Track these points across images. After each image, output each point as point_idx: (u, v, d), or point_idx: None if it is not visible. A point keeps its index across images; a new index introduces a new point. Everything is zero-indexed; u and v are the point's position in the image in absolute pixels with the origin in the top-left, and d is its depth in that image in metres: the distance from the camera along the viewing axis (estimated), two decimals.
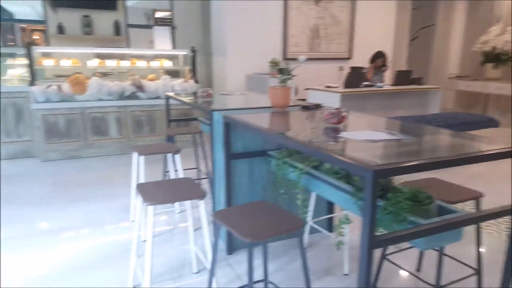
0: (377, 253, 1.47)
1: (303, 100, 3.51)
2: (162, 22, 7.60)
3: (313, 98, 5.09)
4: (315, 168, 2.13)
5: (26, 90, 4.77)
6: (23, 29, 8.13)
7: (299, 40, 6.49)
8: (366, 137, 1.83)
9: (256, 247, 2.57)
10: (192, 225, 2.35)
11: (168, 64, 5.78)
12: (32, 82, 4.76)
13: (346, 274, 2.44)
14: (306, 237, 2.83)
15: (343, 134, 1.95)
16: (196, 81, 5.62)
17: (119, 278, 2.36)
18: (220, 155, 2.62)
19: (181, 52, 5.90)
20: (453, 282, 2.06)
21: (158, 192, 2.00)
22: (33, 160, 4.81)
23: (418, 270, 2.47)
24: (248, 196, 2.67)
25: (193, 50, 5.59)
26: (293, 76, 2.69)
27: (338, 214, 2.94)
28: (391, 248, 2.13)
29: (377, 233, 1.45)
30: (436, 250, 1.99)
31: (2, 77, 5.30)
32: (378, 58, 5.85)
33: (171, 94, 3.70)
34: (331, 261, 2.61)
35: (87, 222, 3.16)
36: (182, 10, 7.54)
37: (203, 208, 2.06)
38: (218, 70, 6.64)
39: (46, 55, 5.39)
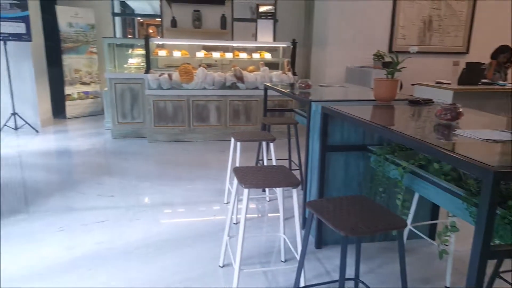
0: (488, 269, 1.29)
1: (410, 95, 3.26)
2: (265, 15, 7.73)
3: (420, 94, 4.70)
4: (421, 167, 1.96)
5: (142, 77, 5.24)
6: (140, 23, 8.97)
7: (408, 32, 6.07)
8: (486, 136, 1.62)
9: (348, 244, 2.47)
10: (283, 213, 2.34)
11: (268, 56, 5.86)
12: (147, 70, 5.20)
13: (447, 287, 2.22)
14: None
15: (458, 132, 1.75)
16: (294, 73, 5.61)
17: (210, 256, 2.46)
18: (315, 146, 2.56)
19: (281, 45, 5.94)
20: None
21: (254, 177, 2.03)
22: (142, 141, 5.27)
23: None
24: (343, 190, 2.58)
25: (294, 43, 5.57)
26: (402, 68, 2.50)
27: (443, 221, 2.68)
28: (507, 265, 1.87)
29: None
30: None
31: (124, 65, 5.91)
32: (502, 53, 5.19)
33: (269, 85, 3.73)
34: (430, 271, 2.40)
35: (185, 200, 3.36)
36: (285, 3, 7.58)
37: (295, 197, 2.03)
38: (317, 62, 6.54)
39: (160, 46, 5.84)
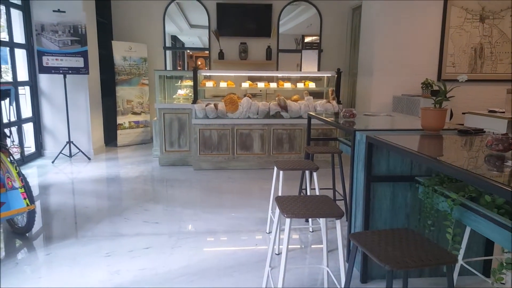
0: None
1: (461, 125, 3.14)
2: (310, 46, 7.86)
3: (472, 123, 4.51)
4: (471, 199, 1.86)
5: (189, 107, 5.45)
6: (190, 56, 9.41)
7: (457, 60, 5.91)
8: None
9: (395, 279, 2.35)
10: (326, 244, 2.29)
11: (312, 85, 5.90)
12: (194, 101, 5.41)
13: None
14: (454, 277, 2.47)
15: (510, 163, 1.66)
16: (339, 102, 5.59)
17: (252, 286, 2.43)
18: (360, 177, 2.51)
19: (326, 74, 5.97)
20: None
21: (296, 206, 2.01)
22: (187, 168, 5.42)
23: None
24: (389, 222, 2.48)
25: (339, 72, 5.59)
26: (450, 97, 2.43)
27: (498, 257, 2.49)
28: None
29: None
30: None
31: (173, 96, 6.19)
32: None
33: (313, 113, 3.74)
34: None
35: (227, 228, 3.37)
36: (330, 33, 7.67)
37: (339, 228, 1.99)
38: (363, 90, 6.49)
39: (207, 77, 6.08)
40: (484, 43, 5.92)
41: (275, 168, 2.98)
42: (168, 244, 3.06)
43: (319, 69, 7.71)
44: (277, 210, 2.07)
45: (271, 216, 3.28)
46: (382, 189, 2.45)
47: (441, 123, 2.48)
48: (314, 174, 2.91)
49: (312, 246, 3.11)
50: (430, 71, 6.00)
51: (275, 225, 2.24)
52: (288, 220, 1.95)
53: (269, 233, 3.27)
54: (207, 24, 7.55)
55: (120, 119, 6.95)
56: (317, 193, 2.95)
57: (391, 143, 2.07)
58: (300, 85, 5.86)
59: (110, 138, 7.00)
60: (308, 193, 3.13)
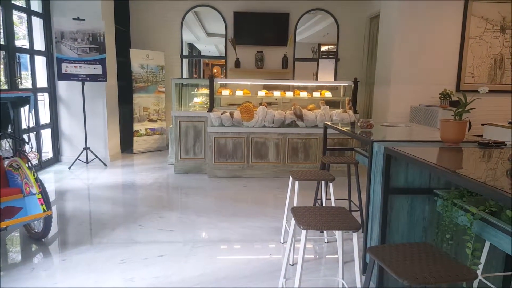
0: None
1: (479, 136, 3.08)
2: (326, 55, 7.86)
3: (491, 135, 4.42)
4: (492, 214, 1.81)
5: (205, 115, 5.48)
6: (206, 63, 9.51)
7: (477, 70, 5.82)
8: None
9: None
10: (342, 257, 2.25)
11: (328, 94, 5.88)
12: (210, 109, 5.44)
13: None
14: None
15: None
16: (355, 112, 5.55)
17: None
18: (377, 188, 2.48)
19: (343, 83, 5.94)
20: None
21: (312, 217, 1.99)
22: (202, 176, 5.43)
23: None
24: (406, 236, 2.44)
25: (355, 81, 5.56)
26: (471, 109, 2.39)
27: None
28: None
29: None
30: None
31: (189, 104, 6.23)
32: None
33: (329, 123, 3.72)
34: None
35: (241, 237, 3.36)
36: (346, 42, 7.66)
37: (356, 240, 1.96)
38: (380, 100, 6.43)
39: (223, 86, 6.11)
40: (504, 53, 5.82)
41: (291, 178, 2.96)
42: (182, 252, 3.07)
43: (335, 79, 7.69)
44: (292, 221, 2.05)
45: (285, 226, 3.25)
46: (400, 201, 2.41)
47: (461, 136, 2.43)
48: (330, 184, 2.89)
49: (327, 256, 3.07)
50: (448, 82, 5.92)
51: (290, 236, 2.22)
52: (303, 232, 1.93)
53: (283, 243, 3.25)
54: (224, 33, 7.62)
55: (136, 126, 7.03)
56: (333, 204, 2.91)
57: (410, 155, 2.04)
58: (316, 94, 5.85)
59: (126, 144, 7.08)
60: (324, 204, 3.10)
